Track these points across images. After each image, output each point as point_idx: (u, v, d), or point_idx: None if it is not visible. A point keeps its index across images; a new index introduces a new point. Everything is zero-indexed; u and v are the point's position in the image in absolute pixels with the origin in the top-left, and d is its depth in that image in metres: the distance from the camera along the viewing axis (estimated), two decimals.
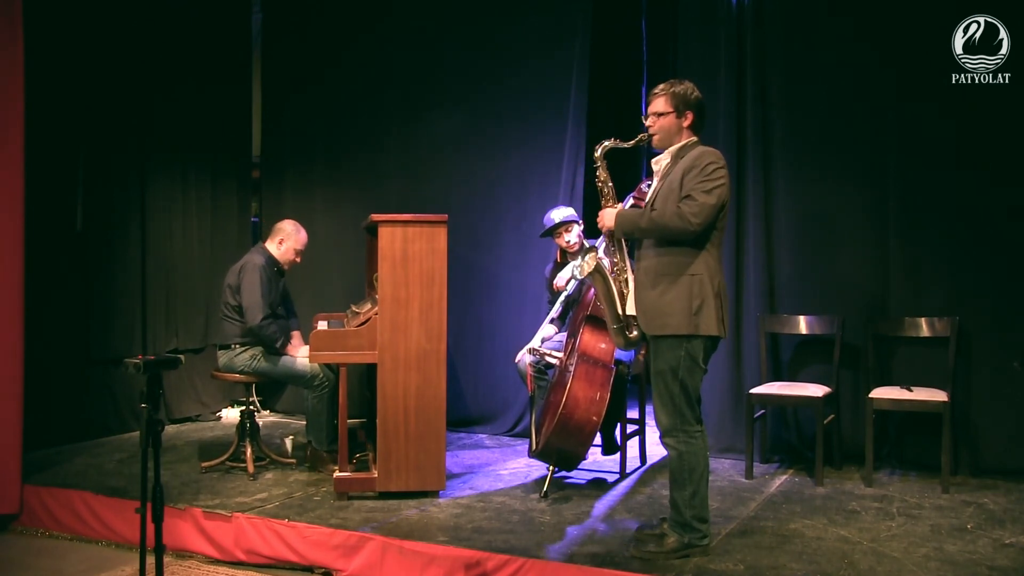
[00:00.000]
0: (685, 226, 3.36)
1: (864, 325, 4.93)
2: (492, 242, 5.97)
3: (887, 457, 4.94)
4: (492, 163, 5.97)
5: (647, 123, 3.60)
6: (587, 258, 3.71)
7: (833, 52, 5.00)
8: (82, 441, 5.46)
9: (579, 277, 3.84)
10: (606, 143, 3.78)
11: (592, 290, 4.37)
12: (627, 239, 3.70)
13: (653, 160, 3.66)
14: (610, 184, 3.76)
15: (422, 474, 4.32)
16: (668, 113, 3.53)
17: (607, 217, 3.62)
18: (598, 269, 3.68)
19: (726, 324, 3.50)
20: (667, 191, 3.47)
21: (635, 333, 3.63)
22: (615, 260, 3.71)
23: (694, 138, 3.57)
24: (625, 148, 3.72)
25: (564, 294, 4.85)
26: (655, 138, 3.59)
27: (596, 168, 3.76)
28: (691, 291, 3.41)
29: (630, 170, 6.80)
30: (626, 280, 3.68)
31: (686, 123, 3.54)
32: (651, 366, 3.57)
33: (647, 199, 3.61)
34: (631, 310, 3.62)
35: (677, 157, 3.54)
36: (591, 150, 3.72)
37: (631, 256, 3.75)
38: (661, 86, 3.58)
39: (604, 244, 3.89)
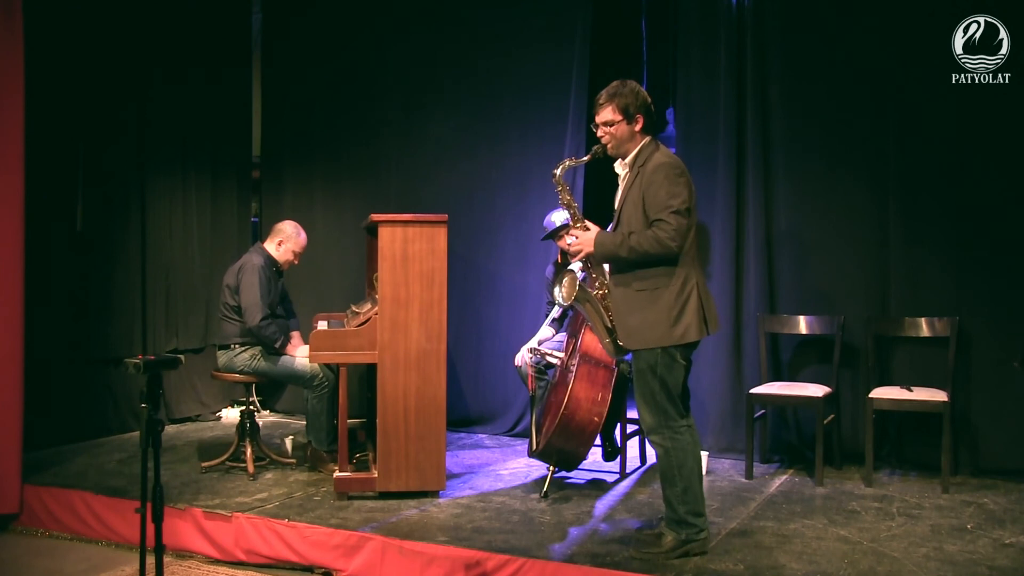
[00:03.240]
0: (665, 250, 3.34)
1: (864, 325, 4.92)
2: (492, 242, 5.97)
3: (887, 457, 4.94)
4: (492, 163, 5.96)
5: (598, 134, 3.54)
6: (565, 282, 3.70)
7: (833, 52, 5.00)
8: (82, 441, 5.45)
9: (563, 304, 3.81)
10: (564, 163, 3.79)
11: (595, 292, 4.38)
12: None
13: (616, 165, 3.60)
14: (575, 205, 3.76)
15: (422, 474, 4.32)
16: (619, 121, 3.47)
17: (585, 243, 3.54)
18: (581, 291, 3.67)
19: (710, 321, 3.47)
20: (631, 208, 3.45)
21: None
22: (595, 277, 3.70)
23: (647, 139, 3.52)
24: (583, 164, 3.72)
25: None
26: (609, 147, 3.53)
27: (558, 191, 3.76)
28: (668, 303, 3.39)
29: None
30: (608, 293, 3.67)
31: (638, 127, 3.48)
32: (632, 365, 3.57)
33: (615, 213, 3.57)
34: None
35: (636, 166, 3.48)
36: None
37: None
38: (604, 94, 3.50)
39: (580, 264, 3.88)
